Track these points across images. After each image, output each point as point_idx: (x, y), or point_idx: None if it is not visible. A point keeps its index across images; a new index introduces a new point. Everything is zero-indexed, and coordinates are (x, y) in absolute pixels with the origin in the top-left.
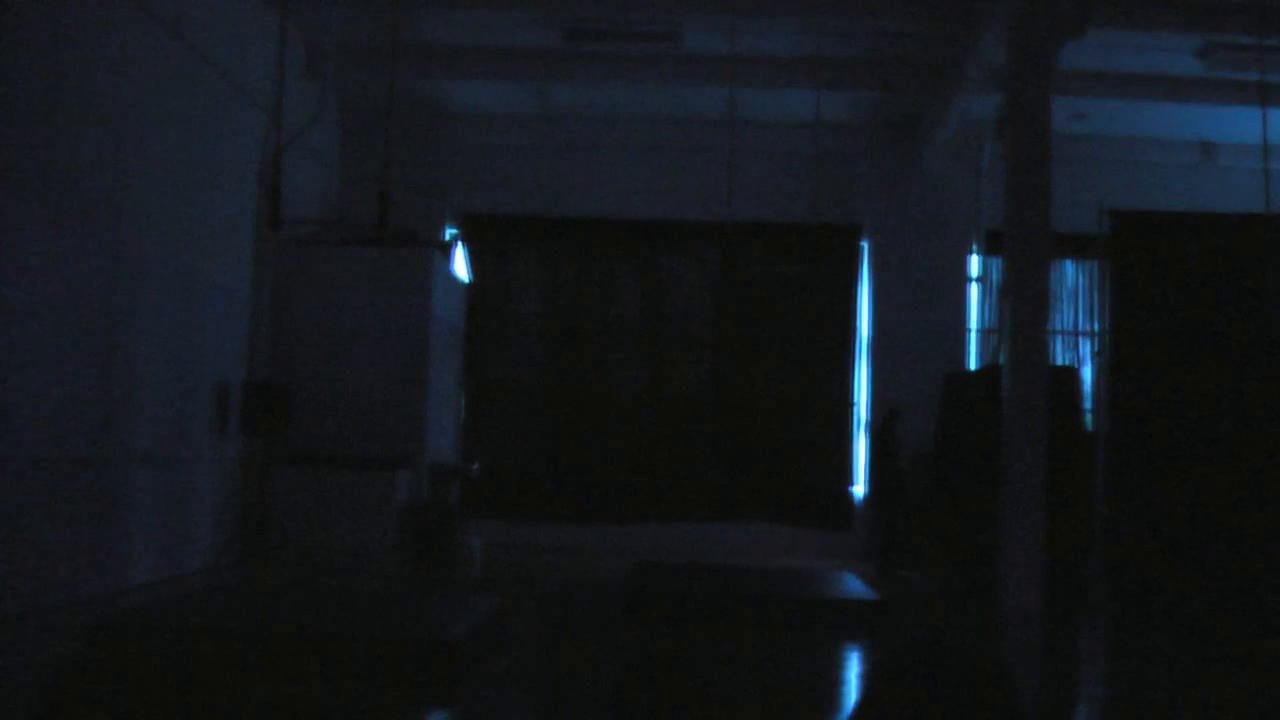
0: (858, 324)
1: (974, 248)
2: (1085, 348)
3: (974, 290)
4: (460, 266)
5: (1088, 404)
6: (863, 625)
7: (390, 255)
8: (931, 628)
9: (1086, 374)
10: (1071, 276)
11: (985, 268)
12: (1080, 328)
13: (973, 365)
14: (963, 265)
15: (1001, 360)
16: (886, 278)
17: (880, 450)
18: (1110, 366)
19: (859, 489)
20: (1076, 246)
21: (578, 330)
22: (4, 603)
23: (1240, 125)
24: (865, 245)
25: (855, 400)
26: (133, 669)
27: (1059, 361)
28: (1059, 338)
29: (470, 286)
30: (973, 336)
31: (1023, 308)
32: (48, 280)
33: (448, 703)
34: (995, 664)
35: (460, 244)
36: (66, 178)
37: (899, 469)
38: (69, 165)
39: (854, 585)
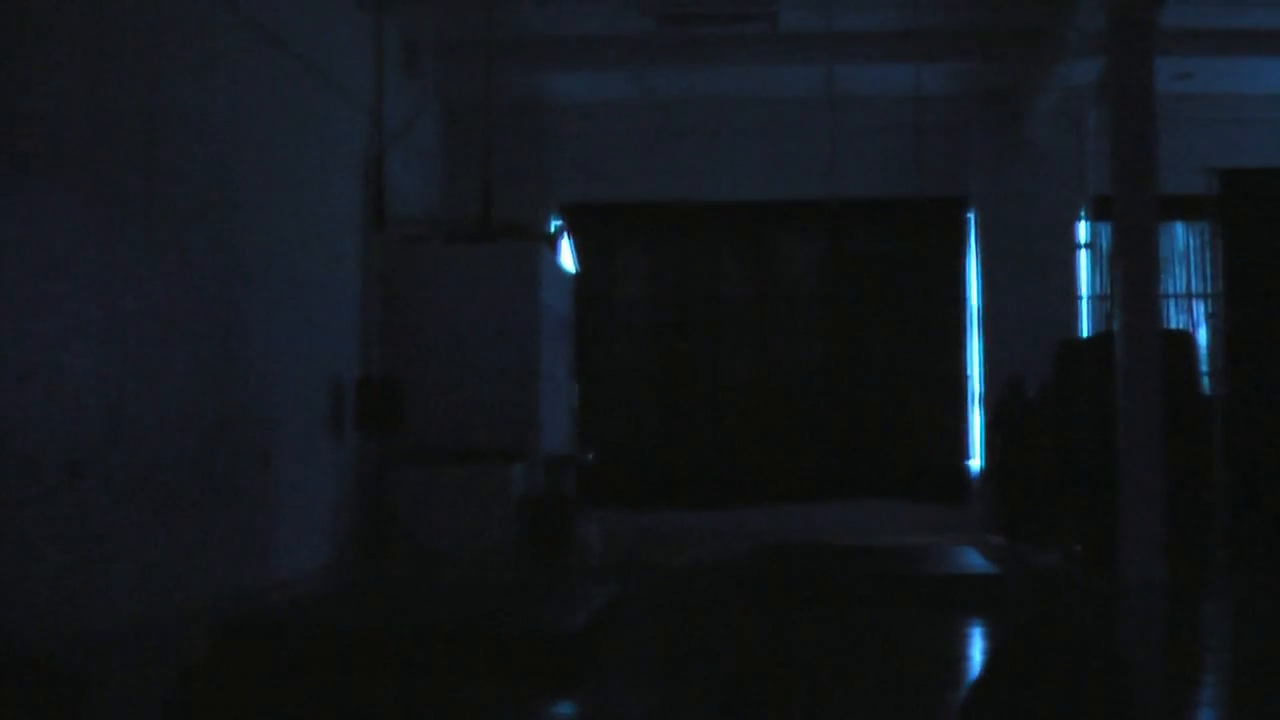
0: (967, 296)
1: (1082, 214)
2: (1199, 310)
3: (1084, 257)
4: (567, 257)
5: (1204, 368)
6: (984, 600)
7: (496, 249)
8: (1050, 605)
9: (1202, 337)
10: (1182, 239)
11: (1094, 234)
12: (1193, 290)
13: (1085, 333)
14: (1071, 232)
15: (1115, 326)
16: (994, 248)
17: (1003, 420)
18: (1226, 329)
19: (974, 462)
20: (1186, 208)
21: (686, 315)
22: (131, 606)
23: None
24: (972, 217)
25: (968, 373)
26: (260, 668)
27: (1172, 325)
28: (1171, 301)
29: (578, 276)
30: (1084, 304)
31: (1133, 272)
32: (161, 288)
33: (569, 694)
34: (1109, 646)
35: (566, 234)
36: (175, 186)
37: (1024, 438)
38: (176, 174)
39: (974, 560)
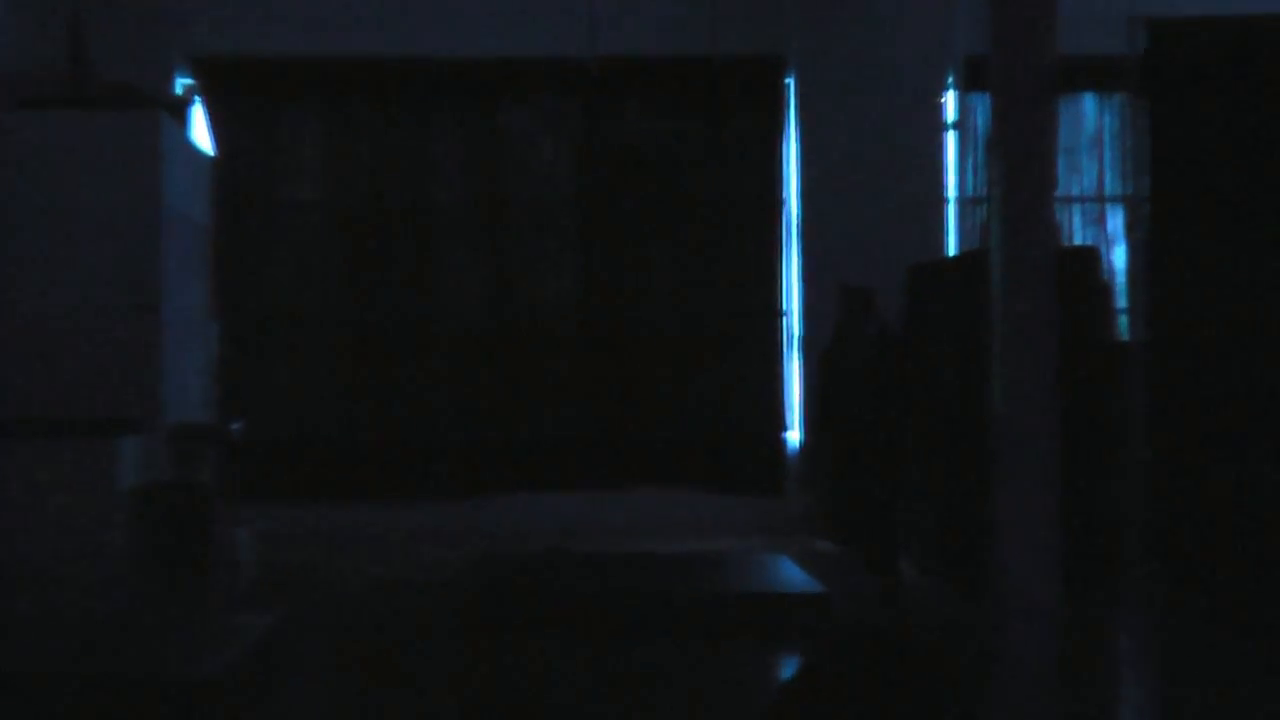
0: (784, 199)
1: (948, 82)
2: (1115, 220)
3: (950, 143)
4: (202, 136)
5: (1121, 303)
6: (799, 631)
7: (92, 121)
8: (886, 632)
9: (1117, 258)
10: (1092, 118)
11: (965, 109)
12: (1107, 192)
13: (950, 251)
14: (933, 108)
15: (991, 242)
16: (824, 131)
17: (837, 373)
18: (1152, 246)
19: (793, 435)
20: (1098, 75)
21: (382, 227)
22: None
23: None
24: (791, 86)
25: (784, 309)
26: None
27: (1076, 240)
28: (1076, 207)
29: (219, 166)
30: (950, 210)
31: (1019, 165)
32: None
33: None
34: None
35: (200, 102)
36: None
37: (866, 400)
38: None
39: (789, 573)
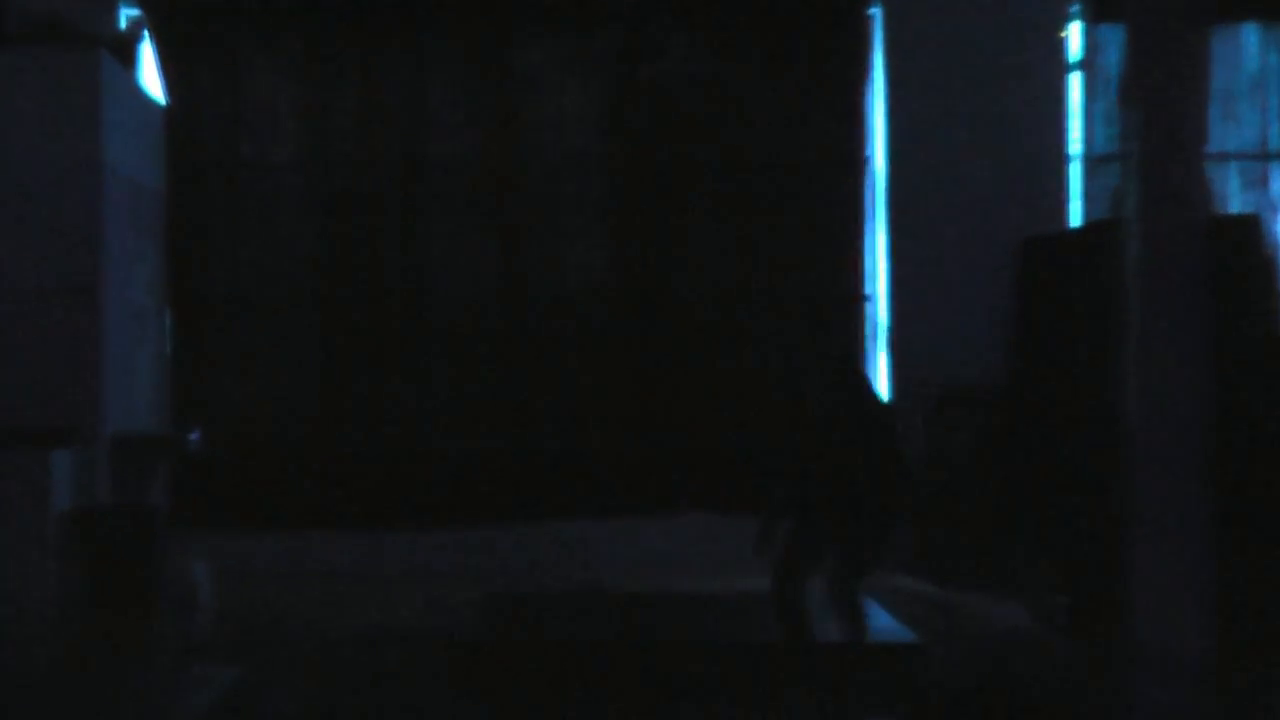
0: (867, 158)
1: (1073, 11)
2: None
3: (1075, 86)
4: (152, 80)
5: None
6: (891, 689)
7: (19, 61)
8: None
9: None
10: (1254, 55)
11: (1093, 45)
12: (1272, 147)
13: (1075, 221)
14: (1054, 44)
15: (1126, 210)
16: (917, 73)
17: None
18: None
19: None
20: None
21: (369, 194)
22: None
23: None
24: (877, 16)
25: (866, 293)
26: None
27: (1233, 206)
28: (1232, 165)
29: (172, 117)
30: (1075, 170)
31: (1160, 113)
32: None
33: None
34: None
35: (149, 39)
36: None
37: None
38: None
39: (873, 618)
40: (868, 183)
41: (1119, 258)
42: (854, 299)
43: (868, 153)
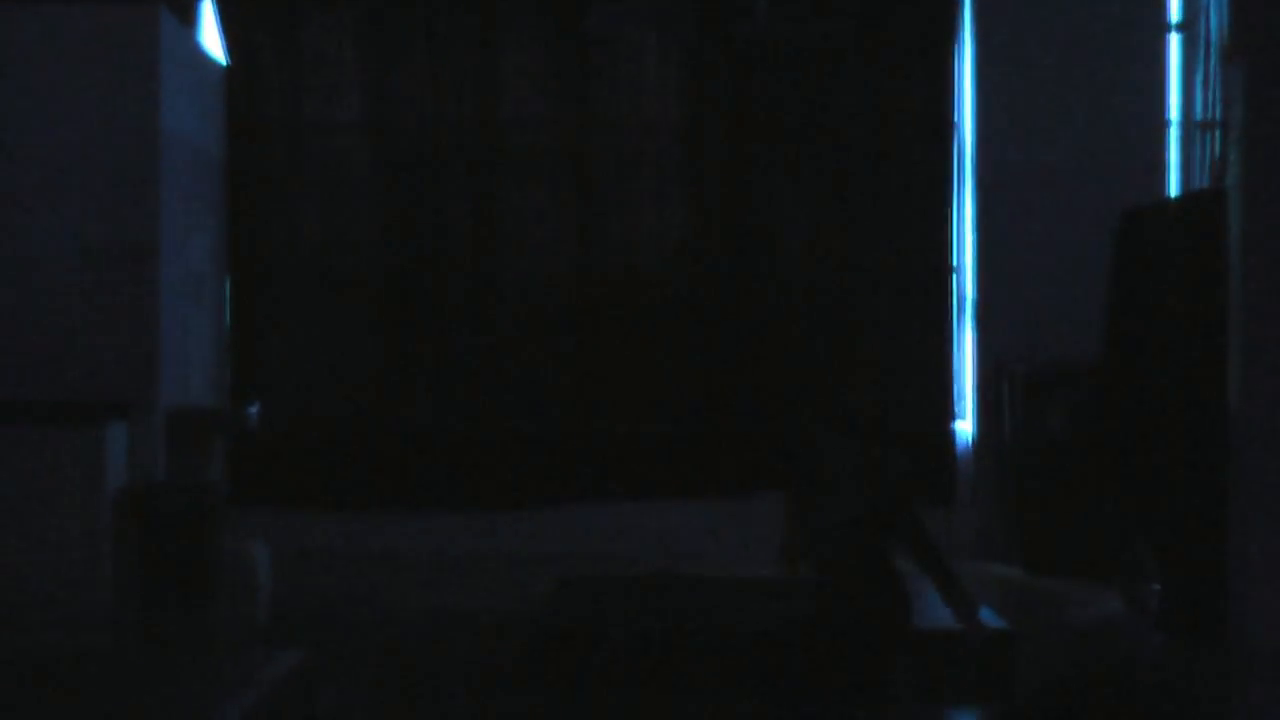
0: (956, 127)
1: None
2: None
3: (1173, 48)
4: (211, 39)
5: None
6: (982, 681)
7: (76, 19)
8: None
9: None
10: None
11: (1193, 5)
12: None
13: (1173, 191)
14: (1152, 5)
15: (1230, 179)
16: (1008, 34)
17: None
18: None
19: (965, 425)
20: None
21: (437, 161)
22: None
23: None
24: None
25: (954, 265)
26: None
27: None
28: None
29: (233, 78)
30: (1173, 137)
31: (1270, 76)
32: None
33: None
34: None
35: None
36: None
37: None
38: None
39: None
40: (956, 146)
41: (1223, 231)
42: (941, 271)
43: (956, 116)
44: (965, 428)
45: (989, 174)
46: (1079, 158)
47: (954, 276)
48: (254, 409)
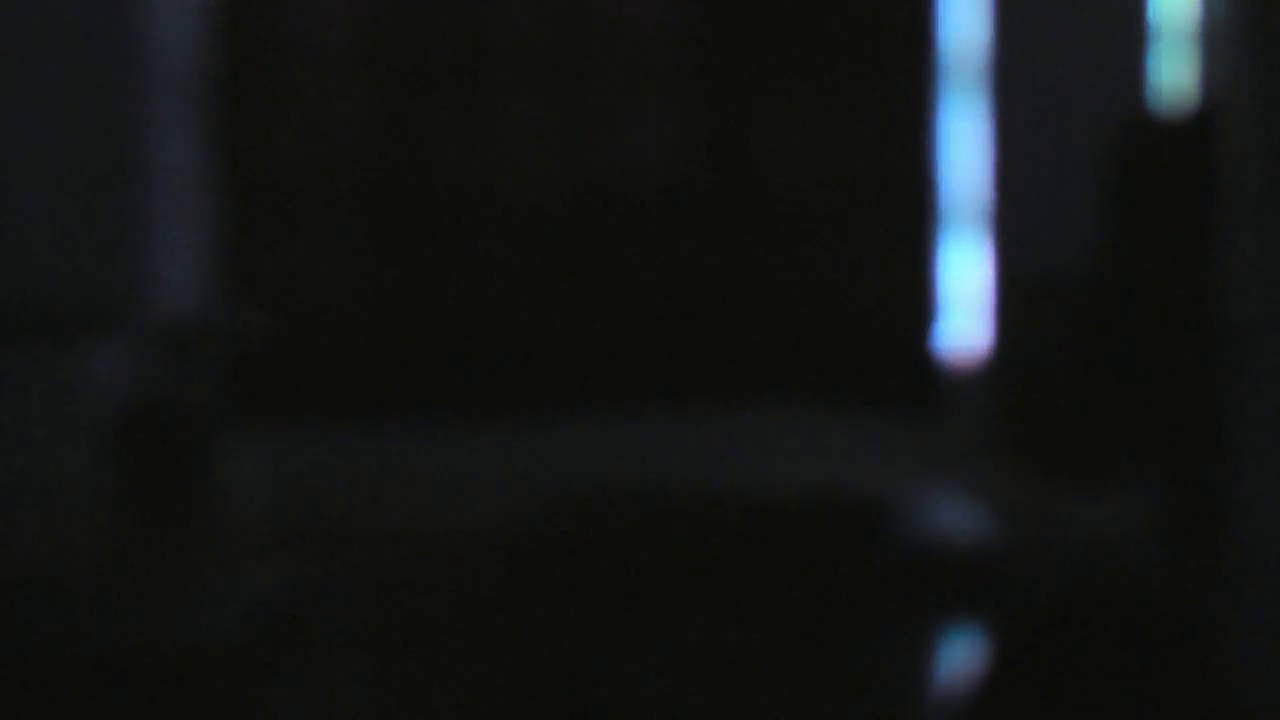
0: (936, 27)
1: None
2: None
3: None
4: None
5: None
6: (975, 596)
7: None
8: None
9: None
10: None
11: None
12: None
13: (1183, 101)
14: None
15: (1237, 89)
16: None
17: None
18: None
19: (951, 336)
20: None
21: (422, 65)
22: None
23: None
24: None
25: (934, 175)
26: None
27: None
28: None
29: None
30: (1180, 45)
31: None
32: None
33: None
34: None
35: None
36: None
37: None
38: None
39: (957, 518)
40: (934, 44)
41: (1227, 142)
42: (925, 181)
43: (936, 21)
44: (959, 334)
45: (986, 78)
46: (1082, 62)
47: (937, 185)
48: (244, 323)
